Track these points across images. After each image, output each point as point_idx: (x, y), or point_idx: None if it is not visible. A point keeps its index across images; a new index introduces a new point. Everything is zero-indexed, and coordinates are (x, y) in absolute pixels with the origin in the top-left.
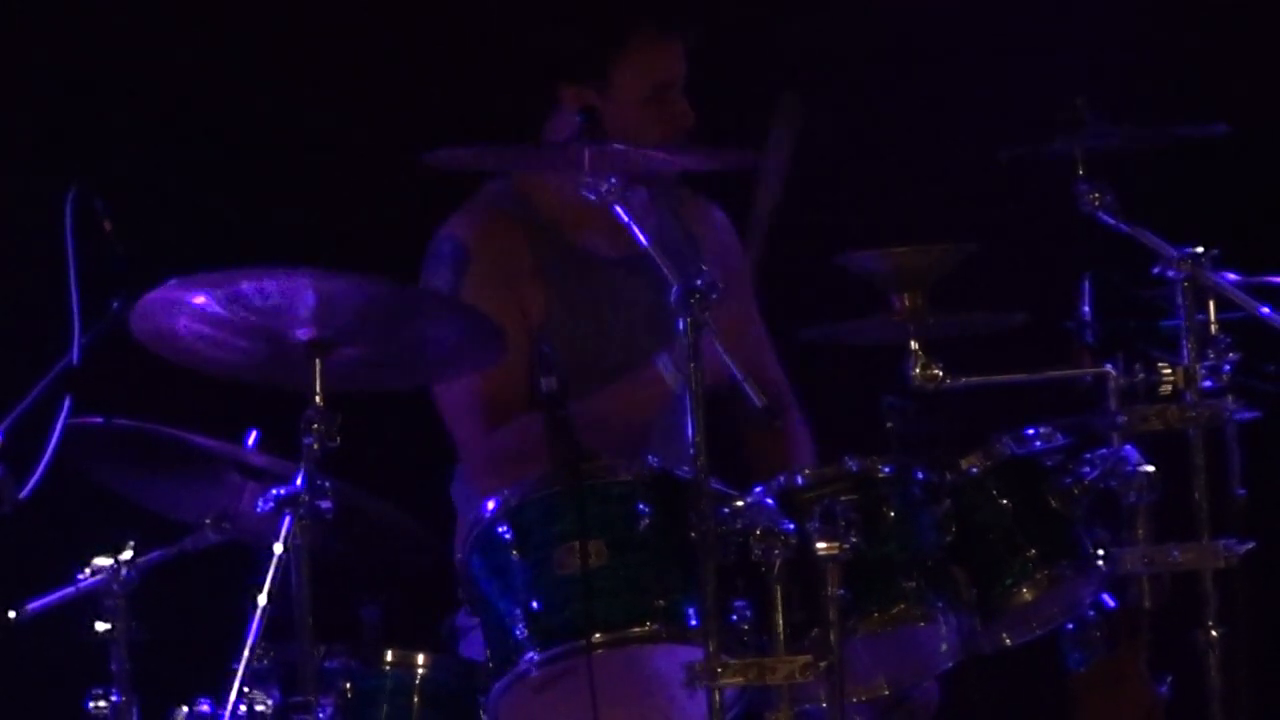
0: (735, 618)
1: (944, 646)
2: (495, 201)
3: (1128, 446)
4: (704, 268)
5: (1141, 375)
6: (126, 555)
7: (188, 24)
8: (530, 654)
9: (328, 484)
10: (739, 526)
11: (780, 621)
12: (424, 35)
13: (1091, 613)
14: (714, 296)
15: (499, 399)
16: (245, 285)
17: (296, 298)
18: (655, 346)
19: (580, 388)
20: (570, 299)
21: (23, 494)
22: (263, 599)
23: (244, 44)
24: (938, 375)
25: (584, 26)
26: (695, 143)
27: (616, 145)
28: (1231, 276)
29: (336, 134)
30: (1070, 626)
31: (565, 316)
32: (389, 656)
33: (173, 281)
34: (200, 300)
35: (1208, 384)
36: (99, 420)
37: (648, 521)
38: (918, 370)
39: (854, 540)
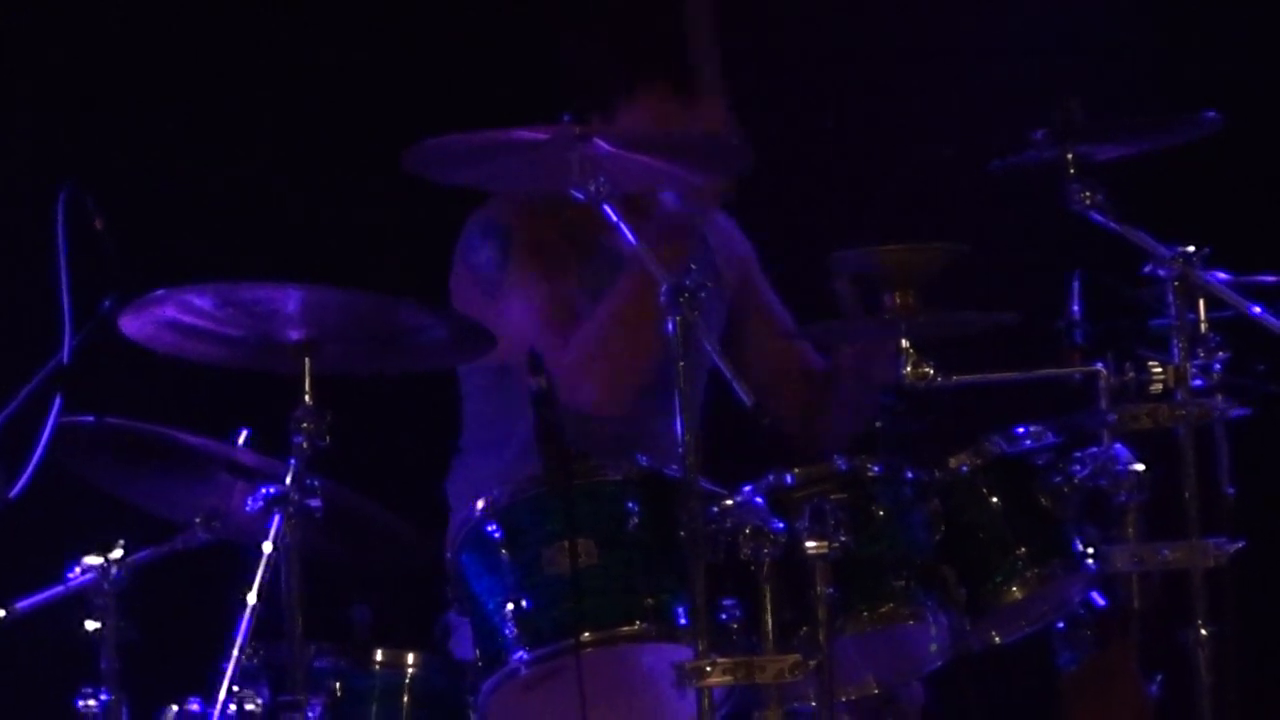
0: (724, 616)
1: (933, 645)
2: (530, 193)
3: (1118, 445)
4: (692, 266)
5: (1132, 374)
6: (116, 554)
7: (177, 22)
8: (519, 653)
9: (317, 483)
10: (728, 525)
11: (769, 620)
12: (422, 42)
13: (1082, 612)
14: (702, 295)
15: (563, 313)
16: (234, 294)
17: (285, 303)
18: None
19: None
20: (599, 297)
21: (13, 493)
22: (252, 598)
23: (234, 42)
24: (928, 374)
25: (599, 69)
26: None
27: (604, 148)
28: (1222, 275)
29: (329, 132)
30: (1060, 625)
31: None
32: (379, 656)
33: (160, 292)
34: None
35: (1198, 383)
36: (90, 419)
37: (637, 520)
38: (909, 369)
39: (843, 539)
